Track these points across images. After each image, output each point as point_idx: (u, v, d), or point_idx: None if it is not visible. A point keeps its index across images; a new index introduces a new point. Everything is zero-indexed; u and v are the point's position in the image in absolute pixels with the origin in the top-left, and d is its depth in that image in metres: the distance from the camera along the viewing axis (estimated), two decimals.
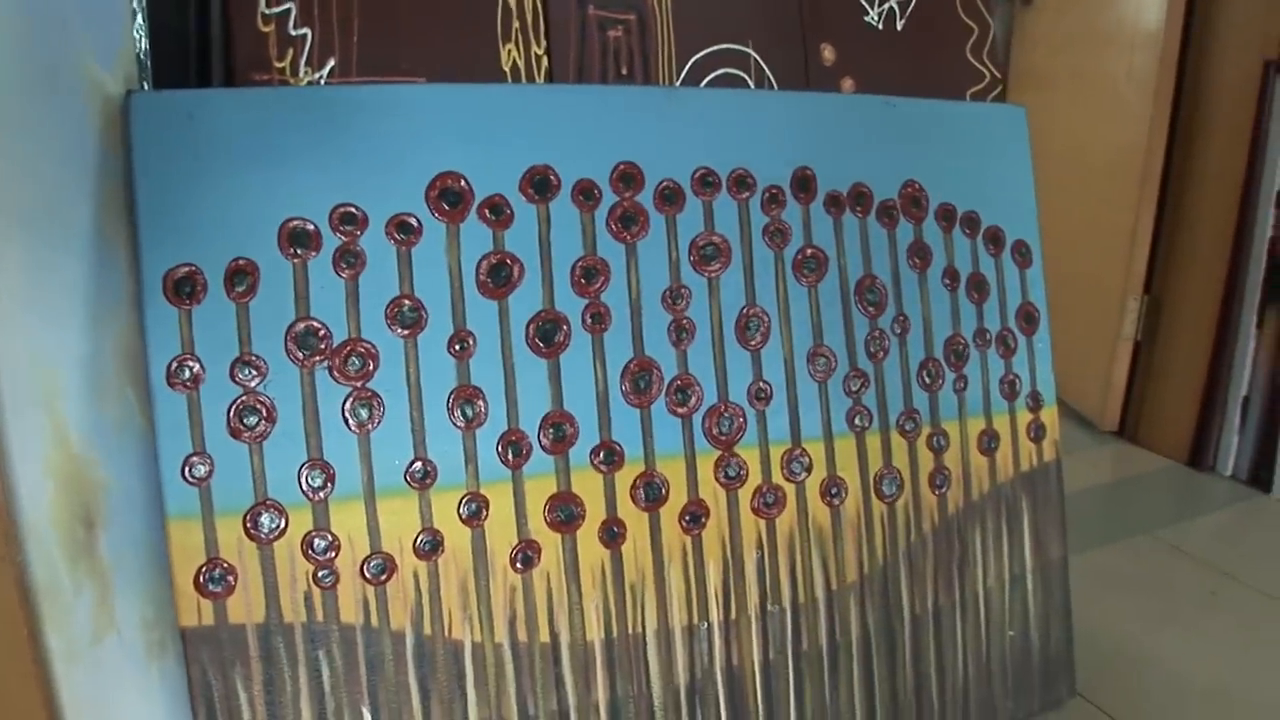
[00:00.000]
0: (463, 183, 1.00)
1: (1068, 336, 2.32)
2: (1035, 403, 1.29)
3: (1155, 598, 1.61)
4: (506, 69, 1.08)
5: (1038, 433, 1.29)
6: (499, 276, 1.01)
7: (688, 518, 1.08)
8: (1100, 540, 1.75)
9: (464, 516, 0.99)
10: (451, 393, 0.99)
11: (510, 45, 1.08)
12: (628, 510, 1.06)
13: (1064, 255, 2.40)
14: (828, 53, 1.24)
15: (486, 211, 1.00)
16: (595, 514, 1.05)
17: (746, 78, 1.20)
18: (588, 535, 1.04)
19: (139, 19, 0.97)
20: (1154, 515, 1.87)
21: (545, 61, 1.11)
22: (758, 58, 1.20)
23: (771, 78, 1.21)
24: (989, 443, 1.25)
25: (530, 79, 1.10)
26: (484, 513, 1.00)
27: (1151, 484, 2.05)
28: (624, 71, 1.15)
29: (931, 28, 1.30)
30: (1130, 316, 2.22)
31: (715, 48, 1.19)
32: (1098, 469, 2.10)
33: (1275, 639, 1.51)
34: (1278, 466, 1.98)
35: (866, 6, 1.26)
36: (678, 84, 1.18)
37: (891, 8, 1.27)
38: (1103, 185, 2.31)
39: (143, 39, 0.97)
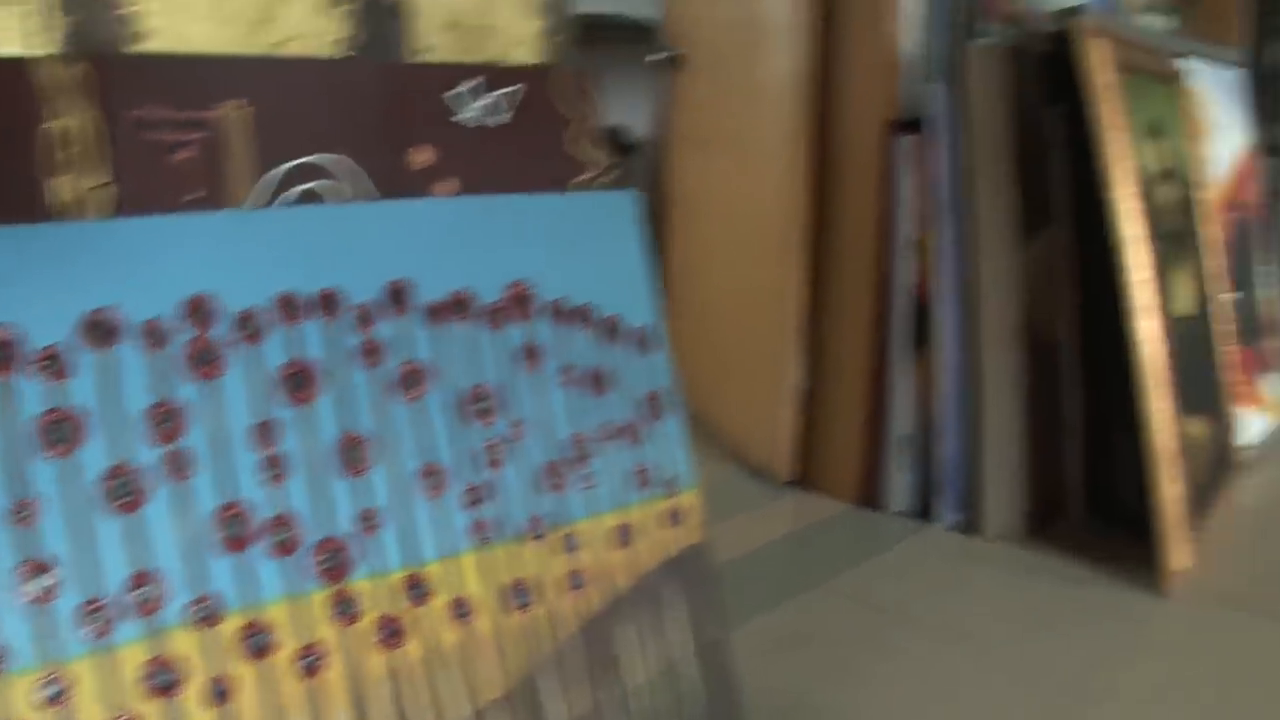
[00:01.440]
0: (10, 334, 0.91)
1: (739, 394, 2.38)
2: (671, 488, 1.29)
3: (830, 649, 1.64)
4: (60, 205, 0.99)
5: (678, 518, 1.29)
6: (60, 434, 0.92)
7: (304, 663, 1.02)
8: (777, 598, 1.78)
9: (44, 700, 0.90)
10: (17, 567, 0.89)
11: (63, 177, 1.00)
12: (236, 665, 0.98)
13: (729, 313, 2.47)
14: (425, 156, 1.20)
15: (43, 363, 0.92)
16: (199, 673, 0.96)
17: (340, 189, 1.15)
18: (192, 699, 0.96)
19: None
20: (829, 563, 1.92)
21: (112, 190, 1.02)
22: (352, 164, 1.15)
23: (368, 186, 1.17)
24: (625, 537, 1.24)
25: (95, 214, 1.02)
26: (68, 693, 0.91)
27: (827, 530, 2.11)
28: (201, 194, 1.07)
29: (533, 122, 1.28)
30: (793, 367, 2.30)
31: (303, 160, 1.13)
32: (775, 522, 2.15)
33: (940, 673, 1.56)
34: (933, 495, 2.10)
35: (460, 106, 1.24)
36: (261, 203, 1.12)
37: (491, 103, 1.25)
38: (758, 240, 2.37)
39: None
